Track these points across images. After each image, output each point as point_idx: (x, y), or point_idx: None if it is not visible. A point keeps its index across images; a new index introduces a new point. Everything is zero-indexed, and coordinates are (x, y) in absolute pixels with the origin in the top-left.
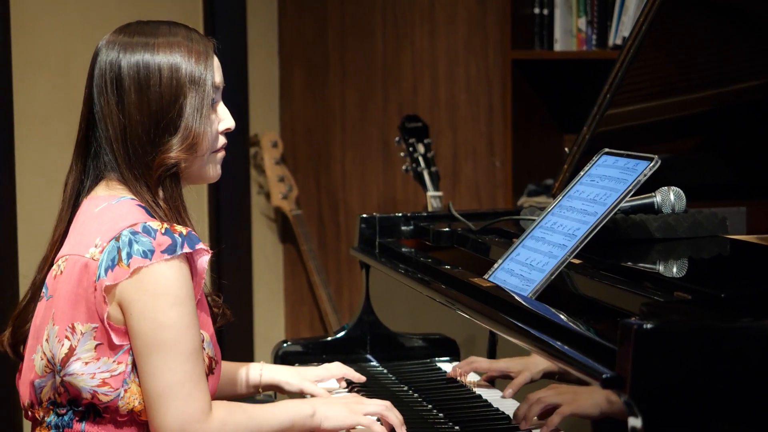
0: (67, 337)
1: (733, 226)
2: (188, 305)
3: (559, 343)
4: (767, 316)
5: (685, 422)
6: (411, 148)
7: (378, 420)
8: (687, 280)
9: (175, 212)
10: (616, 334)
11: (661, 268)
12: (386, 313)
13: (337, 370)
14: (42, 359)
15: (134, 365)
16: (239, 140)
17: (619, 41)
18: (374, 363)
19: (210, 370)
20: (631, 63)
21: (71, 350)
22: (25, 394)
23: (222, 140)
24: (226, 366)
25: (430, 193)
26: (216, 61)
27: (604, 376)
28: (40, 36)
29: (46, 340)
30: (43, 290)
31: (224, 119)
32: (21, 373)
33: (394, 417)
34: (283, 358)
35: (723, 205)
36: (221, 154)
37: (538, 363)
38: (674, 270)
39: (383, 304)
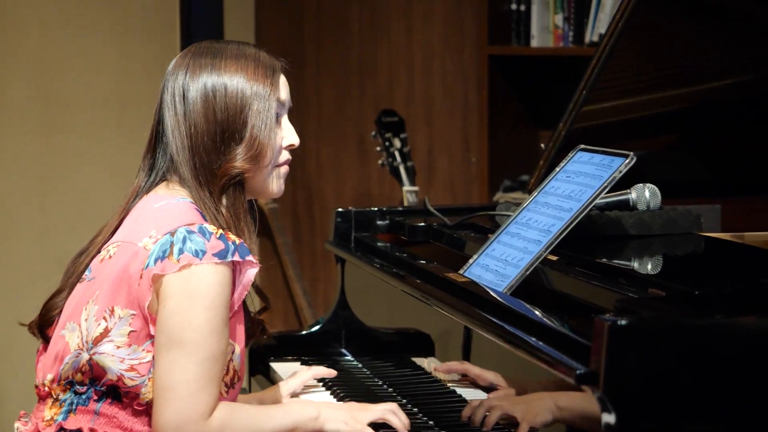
0: (104, 318)
1: (707, 223)
2: (221, 312)
3: (533, 339)
4: (740, 313)
5: (659, 418)
6: (387, 143)
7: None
8: (661, 276)
9: (236, 220)
10: (590, 330)
11: (635, 264)
12: (361, 308)
13: (307, 375)
14: (78, 337)
15: None
16: None
17: (595, 38)
18: (349, 357)
19: (231, 384)
20: (607, 60)
21: (106, 331)
22: (47, 369)
23: (285, 155)
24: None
25: (406, 187)
26: (283, 79)
27: (577, 371)
28: (17, 27)
29: (85, 319)
30: (86, 273)
31: (288, 135)
32: (45, 349)
33: (398, 421)
34: (257, 352)
35: (698, 203)
36: (285, 169)
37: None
38: (648, 267)
39: (358, 299)
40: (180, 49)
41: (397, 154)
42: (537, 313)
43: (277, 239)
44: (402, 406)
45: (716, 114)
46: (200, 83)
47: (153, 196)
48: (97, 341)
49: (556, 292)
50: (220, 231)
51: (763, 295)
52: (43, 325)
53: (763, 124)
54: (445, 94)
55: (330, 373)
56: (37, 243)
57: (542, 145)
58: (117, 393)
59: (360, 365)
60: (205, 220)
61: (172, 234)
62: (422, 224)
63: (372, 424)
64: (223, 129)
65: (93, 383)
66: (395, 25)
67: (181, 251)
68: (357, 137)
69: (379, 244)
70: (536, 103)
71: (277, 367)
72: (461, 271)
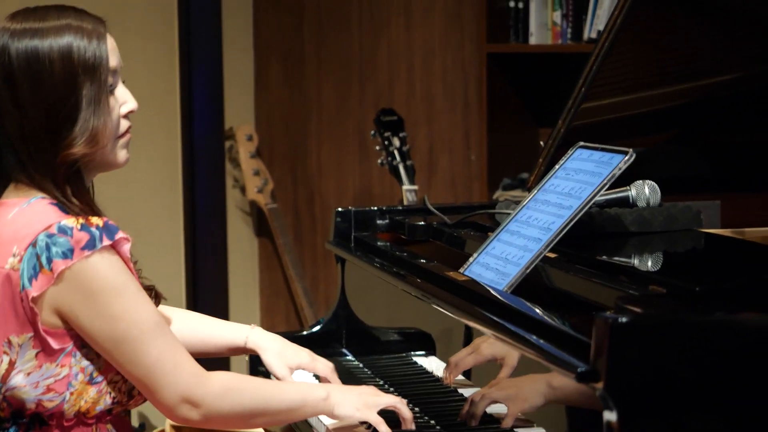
0: (5, 352)
1: (707, 219)
2: (129, 288)
3: (534, 337)
4: (741, 309)
5: (660, 415)
6: (386, 142)
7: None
8: (662, 273)
9: (87, 205)
10: (591, 327)
11: (636, 261)
12: (362, 307)
13: (323, 367)
14: None
15: (77, 365)
16: (214, 133)
17: (594, 35)
18: (350, 357)
19: None
20: (606, 56)
21: (11, 364)
22: None
23: (125, 124)
24: (211, 322)
25: (406, 186)
26: (111, 42)
27: (579, 369)
28: None
29: None
30: None
31: (126, 101)
32: None
33: (407, 412)
34: None
35: (698, 199)
36: (127, 138)
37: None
38: (649, 263)
39: (359, 298)
40: (179, 49)
41: (396, 153)
42: (538, 311)
43: (277, 239)
44: None
45: (715, 110)
46: (23, 56)
47: (4, 207)
48: (5, 378)
49: (557, 290)
50: (81, 221)
51: (764, 290)
52: None
53: (763, 119)
54: (445, 92)
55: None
56: None
57: (541, 143)
58: (41, 419)
59: (361, 365)
60: (64, 211)
61: (34, 245)
62: (422, 223)
63: (380, 414)
64: (55, 114)
65: (15, 417)
66: (395, 23)
67: (49, 260)
68: (357, 136)
69: (379, 243)
70: (535, 100)
71: None
72: (461, 270)
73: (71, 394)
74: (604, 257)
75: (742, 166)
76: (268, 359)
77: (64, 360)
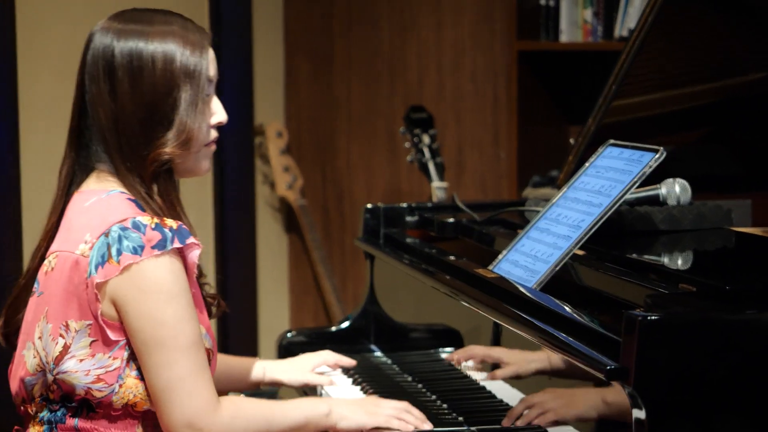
0: (61, 335)
1: (738, 218)
2: (183, 299)
3: (563, 335)
4: None
5: (689, 414)
6: (416, 139)
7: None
8: (691, 272)
9: (170, 206)
10: (620, 325)
11: (665, 260)
12: (390, 304)
13: (329, 357)
14: (35, 357)
15: (129, 360)
16: (244, 130)
17: (625, 33)
18: (378, 353)
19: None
20: (637, 54)
21: (66, 348)
22: (15, 389)
23: (214, 134)
24: (225, 360)
25: (435, 183)
26: (211, 54)
27: (608, 367)
28: (45, 26)
29: (39, 338)
30: (35, 286)
31: (217, 113)
32: (12, 366)
33: (412, 418)
34: (287, 348)
35: (728, 198)
36: (212, 148)
37: (532, 360)
38: (679, 262)
39: (387, 295)
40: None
41: (425, 150)
42: (567, 308)
43: (306, 235)
44: (431, 402)
45: (746, 108)
46: (126, 55)
47: (84, 193)
48: (58, 360)
49: (586, 288)
50: (155, 220)
51: None
52: (9, 332)
53: None
54: (475, 90)
55: (350, 362)
56: None
57: (571, 141)
58: (90, 405)
59: (389, 361)
60: (141, 209)
61: (107, 235)
62: (451, 220)
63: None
64: (151, 111)
65: (65, 400)
66: (425, 21)
67: (119, 252)
68: (387, 134)
69: (408, 240)
70: (565, 98)
71: None
72: (490, 267)
73: (120, 386)
74: (634, 255)
75: None
76: (293, 377)
77: (117, 353)
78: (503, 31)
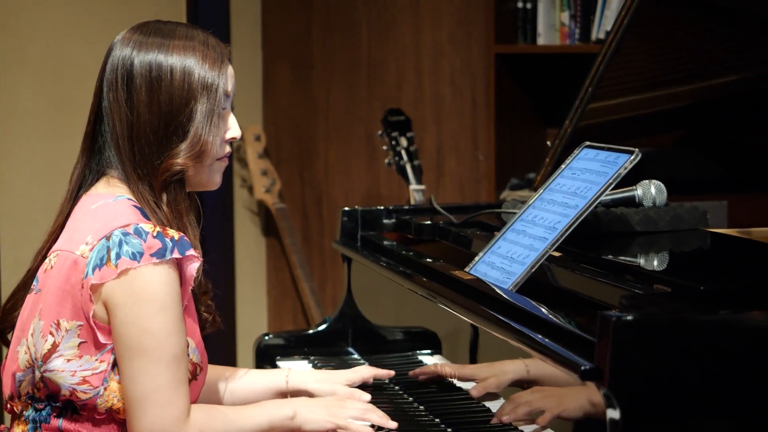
0: (51, 333)
1: (713, 219)
2: (174, 311)
3: (539, 336)
4: (746, 309)
5: (664, 414)
6: (394, 142)
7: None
8: (667, 273)
9: (177, 217)
10: (595, 326)
11: (641, 261)
12: (368, 306)
13: (366, 372)
14: (26, 353)
15: (115, 364)
16: None
17: (602, 35)
18: (356, 356)
19: (193, 377)
20: (613, 57)
21: (54, 346)
22: (6, 386)
23: (227, 148)
24: (247, 374)
25: (413, 186)
26: (230, 69)
27: (582, 368)
28: (25, 31)
29: (31, 334)
30: (34, 283)
31: (231, 128)
32: (5, 363)
33: (377, 417)
34: (264, 351)
35: (704, 199)
36: (224, 163)
37: (506, 371)
38: (654, 263)
39: (365, 298)
40: None
41: (403, 153)
42: (543, 309)
43: (285, 239)
44: (409, 405)
45: (722, 110)
46: (146, 66)
47: (92, 196)
48: (46, 358)
49: (562, 289)
50: (157, 229)
51: None
52: (4, 329)
53: None
54: (453, 92)
55: (388, 374)
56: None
57: (549, 143)
58: (74, 407)
59: (367, 363)
60: (146, 218)
61: (108, 238)
62: (428, 222)
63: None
64: (167, 122)
65: (50, 400)
66: (403, 24)
67: (118, 256)
68: (365, 137)
69: (385, 242)
70: (543, 100)
71: (285, 365)
72: (467, 269)
73: (105, 389)
74: (610, 256)
75: (748, 167)
76: (322, 387)
77: (104, 356)
78: (481, 34)
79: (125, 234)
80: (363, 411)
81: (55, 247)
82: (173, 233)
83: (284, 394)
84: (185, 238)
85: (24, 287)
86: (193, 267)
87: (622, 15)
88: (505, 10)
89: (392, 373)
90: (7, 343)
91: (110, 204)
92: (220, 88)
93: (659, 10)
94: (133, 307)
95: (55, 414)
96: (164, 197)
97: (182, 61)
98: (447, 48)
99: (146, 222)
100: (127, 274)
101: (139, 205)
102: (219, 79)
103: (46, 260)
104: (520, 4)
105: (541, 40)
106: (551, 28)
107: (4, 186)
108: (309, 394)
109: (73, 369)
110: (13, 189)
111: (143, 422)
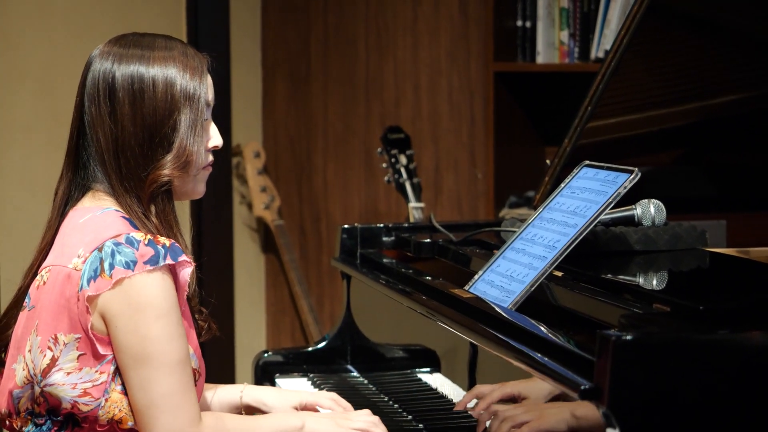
0: (49, 348)
1: (713, 239)
2: (172, 316)
3: (538, 355)
4: (745, 328)
5: None
6: (393, 159)
7: None
8: (666, 292)
9: (167, 226)
10: (595, 345)
11: (640, 280)
12: (367, 324)
13: (326, 400)
14: (24, 370)
15: (115, 374)
16: (221, 150)
17: (601, 54)
18: (355, 373)
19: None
20: (612, 76)
21: (53, 361)
22: (2, 404)
23: (210, 157)
24: (215, 389)
25: (412, 204)
26: (209, 79)
27: (582, 387)
28: (23, 46)
29: (29, 351)
30: (26, 300)
31: (213, 137)
32: (1, 380)
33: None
34: (263, 368)
35: (703, 218)
36: (208, 171)
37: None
38: (654, 282)
39: (364, 315)
40: None
41: (403, 170)
42: (542, 328)
43: (283, 256)
44: (407, 423)
45: (721, 129)
46: (127, 78)
47: (79, 210)
48: (45, 372)
49: (561, 308)
50: (149, 237)
51: None
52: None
53: None
54: (452, 110)
55: (347, 407)
56: None
57: (548, 161)
58: (75, 420)
59: (366, 381)
60: (135, 227)
61: (100, 249)
62: (428, 240)
63: None
64: (151, 133)
65: (51, 414)
66: (401, 42)
67: (111, 266)
68: (364, 154)
69: (384, 260)
70: (542, 119)
71: (283, 382)
72: (466, 287)
73: (106, 401)
74: (609, 275)
75: (747, 186)
76: (275, 404)
77: (104, 367)
78: (480, 51)
79: (117, 244)
80: (369, 424)
81: (46, 263)
82: (164, 240)
83: (239, 410)
84: (176, 244)
85: (16, 305)
86: (186, 272)
87: (622, 34)
88: (504, 28)
89: (350, 406)
90: (2, 364)
91: (98, 216)
92: (202, 98)
93: (658, 30)
94: (132, 316)
95: (56, 428)
96: (153, 209)
97: (164, 72)
98: (445, 65)
99: (136, 231)
100: (123, 284)
101: (127, 216)
102: (200, 89)
103: (38, 277)
104: (519, 23)
105: (540, 59)
106: (550, 46)
107: (2, 200)
108: (264, 411)
109: (73, 382)
110: (10, 204)
111: (156, 430)
